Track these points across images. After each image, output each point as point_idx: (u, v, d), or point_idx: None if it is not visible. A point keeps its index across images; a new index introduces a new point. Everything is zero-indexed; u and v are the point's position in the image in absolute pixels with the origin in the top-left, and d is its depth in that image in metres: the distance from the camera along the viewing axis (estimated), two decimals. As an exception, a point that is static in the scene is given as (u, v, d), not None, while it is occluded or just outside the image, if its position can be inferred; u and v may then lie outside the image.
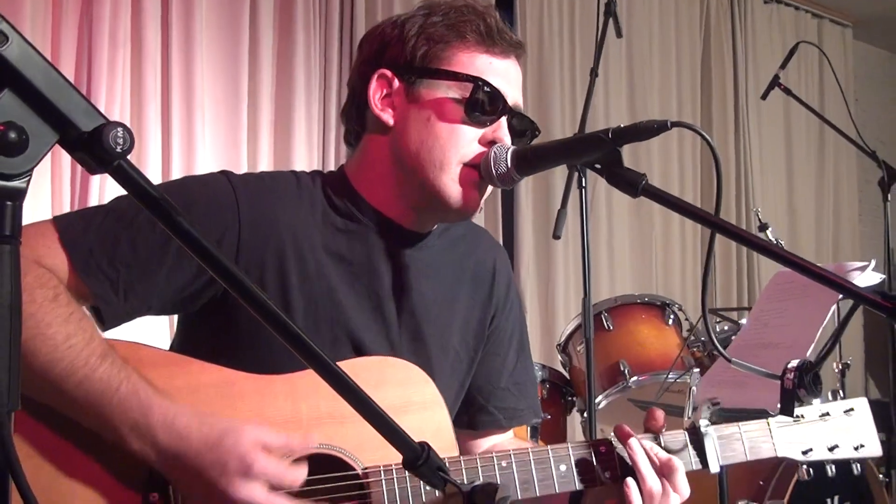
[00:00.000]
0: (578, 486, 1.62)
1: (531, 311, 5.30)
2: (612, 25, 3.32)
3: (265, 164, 4.40)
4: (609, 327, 3.76)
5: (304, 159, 4.47)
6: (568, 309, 5.33)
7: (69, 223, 1.47)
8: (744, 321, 3.69)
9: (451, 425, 1.64)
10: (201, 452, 1.35)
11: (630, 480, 1.59)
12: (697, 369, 3.45)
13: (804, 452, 1.80)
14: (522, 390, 1.92)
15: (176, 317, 1.74)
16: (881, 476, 3.43)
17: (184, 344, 1.66)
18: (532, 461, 1.60)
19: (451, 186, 1.60)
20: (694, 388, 3.16)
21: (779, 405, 1.38)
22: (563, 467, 1.61)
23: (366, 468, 1.49)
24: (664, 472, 1.61)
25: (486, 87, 1.58)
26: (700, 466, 1.69)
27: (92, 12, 3.88)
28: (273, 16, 4.50)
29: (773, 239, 3.42)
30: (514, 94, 1.65)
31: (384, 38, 1.66)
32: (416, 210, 1.67)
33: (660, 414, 1.70)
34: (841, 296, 1.57)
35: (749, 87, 6.65)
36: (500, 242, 5.11)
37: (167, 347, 1.69)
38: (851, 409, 1.86)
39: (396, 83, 1.62)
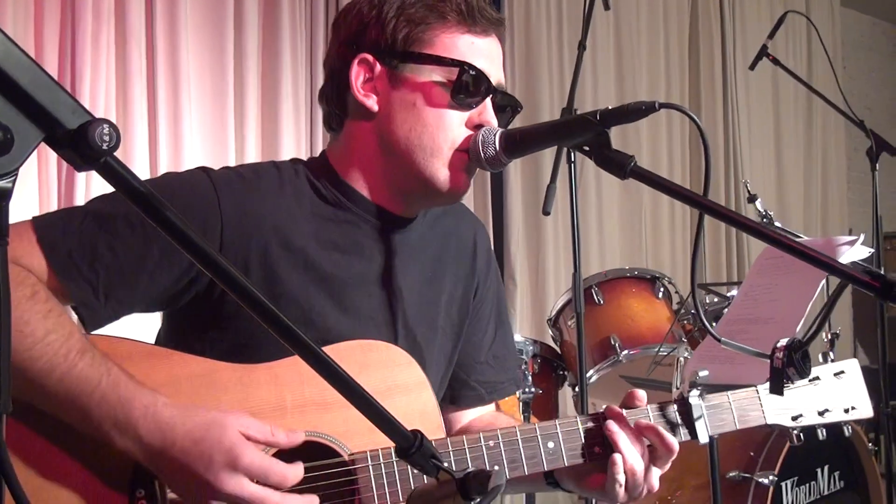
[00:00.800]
0: (567, 462, 1.62)
1: (521, 287, 5.31)
2: (600, -2, 3.30)
3: (253, 141, 4.38)
4: (599, 301, 3.77)
5: (292, 134, 4.46)
6: (558, 284, 5.34)
7: (48, 224, 1.45)
8: (733, 293, 3.71)
9: (437, 406, 1.64)
10: (186, 446, 1.33)
11: (616, 457, 1.60)
12: (687, 343, 3.47)
13: (794, 418, 1.80)
14: (502, 363, 1.93)
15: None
16: (870, 444, 3.47)
17: (169, 336, 1.64)
18: (520, 440, 1.60)
19: (441, 171, 1.59)
20: (682, 360, 3.19)
21: (768, 384, 1.39)
22: (551, 444, 1.62)
23: (352, 454, 1.49)
24: (646, 435, 1.63)
25: (471, 71, 1.57)
26: (689, 437, 1.69)
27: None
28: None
29: (762, 210, 3.41)
30: (496, 73, 1.64)
31: (362, 19, 1.62)
32: (404, 195, 1.66)
33: (641, 394, 1.70)
34: (829, 272, 1.57)
35: (737, 57, 6.64)
36: (490, 218, 5.17)
37: (154, 339, 1.69)
38: (842, 372, 1.86)
39: (378, 67, 1.60)
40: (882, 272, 1.23)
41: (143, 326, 1.75)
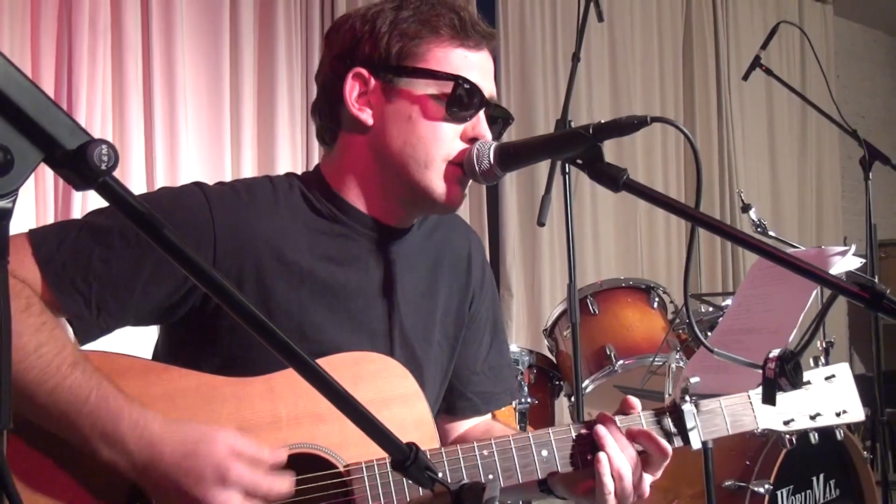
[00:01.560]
0: (561, 469, 1.63)
1: (517, 297, 5.32)
2: (594, 9, 3.32)
3: (249, 155, 4.39)
4: (595, 311, 3.78)
5: (288, 147, 4.47)
6: (554, 294, 5.35)
7: (44, 237, 1.45)
8: (727, 303, 3.72)
9: (431, 417, 1.64)
10: (175, 461, 1.33)
11: (602, 458, 1.60)
12: (680, 351, 3.48)
13: (786, 423, 1.81)
14: (498, 374, 1.93)
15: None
16: (865, 452, 3.47)
17: (165, 349, 1.65)
18: (514, 448, 1.61)
19: (437, 184, 1.60)
20: (674, 366, 3.20)
21: (760, 395, 1.40)
22: (544, 452, 1.63)
23: (347, 465, 1.49)
24: (639, 440, 1.64)
25: (465, 84, 1.58)
26: (682, 444, 1.71)
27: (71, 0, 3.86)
28: (254, 2, 4.49)
29: (756, 220, 3.42)
30: (489, 87, 1.65)
31: (355, 34, 1.63)
32: (399, 207, 1.67)
33: (636, 402, 1.72)
34: (821, 283, 1.58)
35: (731, 68, 6.68)
36: (486, 229, 5.18)
37: (151, 353, 1.69)
38: (833, 376, 1.88)
39: (373, 82, 1.60)
40: (875, 280, 1.24)
41: (140, 340, 1.75)
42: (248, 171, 4.34)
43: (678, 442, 1.71)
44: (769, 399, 1.41)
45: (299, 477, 1.44)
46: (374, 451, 1.36)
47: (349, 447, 1.49)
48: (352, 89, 1.61)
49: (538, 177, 5.23)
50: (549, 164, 3.11)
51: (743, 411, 1.78)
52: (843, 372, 1.89)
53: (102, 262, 1.44)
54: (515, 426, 3.50)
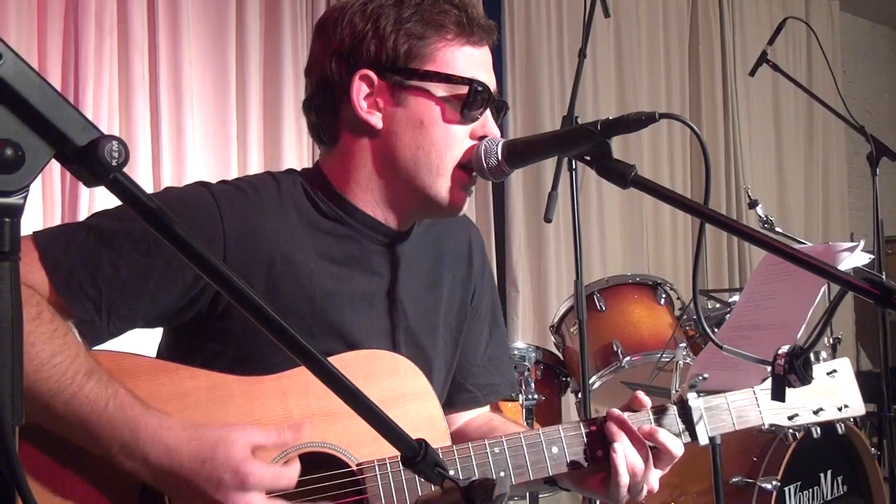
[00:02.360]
0: (570, 467, 1.64)
1: (523, 293, 5.31)
2: (600, 6, 3.31)
3: (255, 152, 4.40)
4: (601, 308, 3.78)
5: (294, 144, 4.48)
6: (560, 290, 5.35)
7: (50, 240, 1.43)
8: (734, 299, 3.71)
9: (442, 415, 1.65)
10: (194, 467, 1.33)
11: (619, 458, 1.61)
12: (684, 343, 3.48)
13: (790, 418, 1.83)
14: (498, 365, 1.93)
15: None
16: (872, 449, 3.47)
17: (170, 349, 1.63)
18: (524, 445, 1.61)
19: (444, 189, 1.60)
20: (680, 362, 3.20)
21: (765, 391, 1.40)
22: (555, 449, 1.64)
23: (360, 463, 1.50)
24: (651, 440, 1.65)
25: (479, 87, 1.57)
26: (689, 439, 1.72)
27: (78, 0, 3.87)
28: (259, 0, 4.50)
29: (763, 216, 3.42)
30: (493, 81, 1.64)
31: (356, 31, 1.59)
32: (403, 211, 1.66)
33: (645, 399, 1.72)
34: (829, 279, 1.58)
35: (737, 63, 6.66)
36: (492, 225, 5.18)
37: (154, 352, 1.69)
38: (834, 371, 1.89)
39: (379, 83, 1.58)
40: (883, 276, 1.24)
41: (143, 340, 1.75)
42: (255, 168, 4.35)
43: (685, 437, 1.72)
44: (779, 395, 1.41)
45: (312, 476, 1.44)
46: (387, 450, 1.36)
47: (361, 446, 1.49)
48: (359, 91, 1.58)
49: (544, 173, 5.23)
50: (555, 161, 3.11)
51: (748, 407, 1.79)
52: (843, 367, 1.91)
53: (111, 266, 1.43)
54: (522, 423, 3.50)
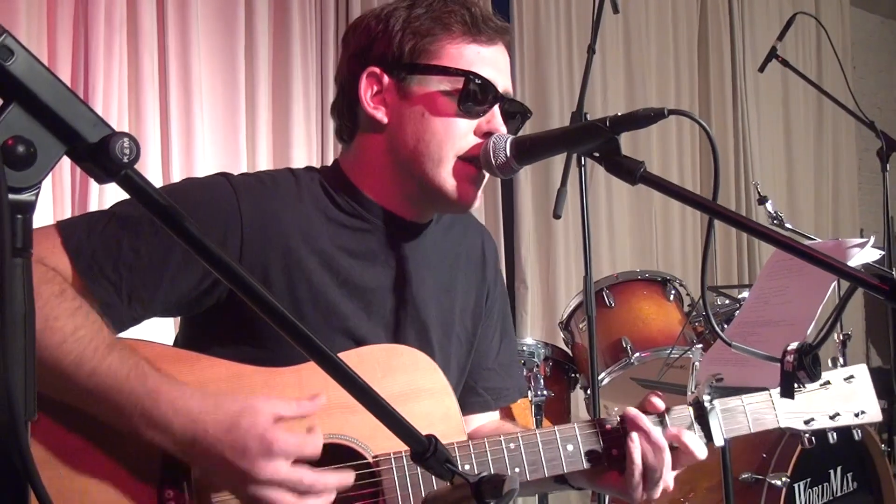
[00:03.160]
0: (586, 465, 1.66)
1: (532, 290, 5.31)
2: (609, 1, 3.30)
3: (264, 149, 4.39)
4: (610, 304, 3.78)
5: (303, 141, 4.47)
6: (569, 286, 5.34)
7: (73, 227, 1.47)
8: (744, 295, 3.71)
9: (458, 411, 1.66)
10: (218, 435, 1.35)
11: (637, 458, 1.63)
12: (700, 345, 3.48)
13: (806, 422, 1.83)
14: (508, 370, 1.96)
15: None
16: (882, 445, 3.46)
17: (187, 342, 1.66)
18: (540, 443, 1.63)
19: (448, 181, 1.62)
20: (697, 363, 3.20)
21: (779, 388, 1.40)
22: (570, 447, 1.65)
23: (376, 456, 1.51)
24: (674, 443, 1.67)
25: (476, 80, 1.60)
26: (705, 441, 1.73)
27: (87, -5, 3.88)
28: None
29: (772, 212, 3.41)
30: (504, 82, 1.66)
31: (370, 33, 1.66)
32: (414, 203, 1.69)
33: (659, 403, 1.73)
34: (839, 275, 1.58)
35: (746, 59, 6.63)
36: (501, 222, 5.18)
37: (171, 342, 1.70)
38: (851, 377, 1.90)
39: (386, 80, 1.63)
40: (893, 273, 1.24)
41: (158, 334, 1.77)
42: (264, 165, 4.35)
43: (701, 439, 1.73)
44: (787, 392, 1.41)
45: (329, 468, 1.45)
46: (403, 444, 1.37)
47: (378, 438, 1.51)
48: (366, 88, 1.64)
49: (553, 170, 5.22)
50: (563, 157, 3.11)
51: (764, 409, 1.80)
52: (861, 373, 1.91)
53: (132, 250, 1.46)
54: (531, 419, 3.50)
